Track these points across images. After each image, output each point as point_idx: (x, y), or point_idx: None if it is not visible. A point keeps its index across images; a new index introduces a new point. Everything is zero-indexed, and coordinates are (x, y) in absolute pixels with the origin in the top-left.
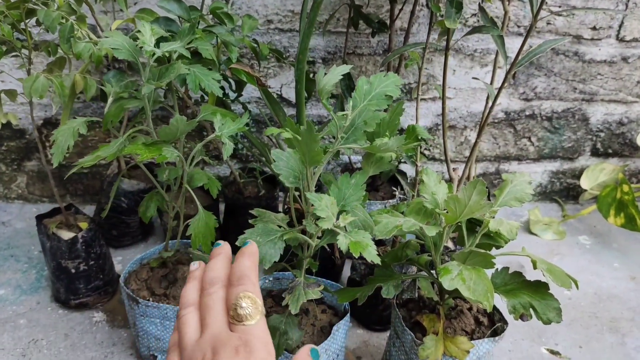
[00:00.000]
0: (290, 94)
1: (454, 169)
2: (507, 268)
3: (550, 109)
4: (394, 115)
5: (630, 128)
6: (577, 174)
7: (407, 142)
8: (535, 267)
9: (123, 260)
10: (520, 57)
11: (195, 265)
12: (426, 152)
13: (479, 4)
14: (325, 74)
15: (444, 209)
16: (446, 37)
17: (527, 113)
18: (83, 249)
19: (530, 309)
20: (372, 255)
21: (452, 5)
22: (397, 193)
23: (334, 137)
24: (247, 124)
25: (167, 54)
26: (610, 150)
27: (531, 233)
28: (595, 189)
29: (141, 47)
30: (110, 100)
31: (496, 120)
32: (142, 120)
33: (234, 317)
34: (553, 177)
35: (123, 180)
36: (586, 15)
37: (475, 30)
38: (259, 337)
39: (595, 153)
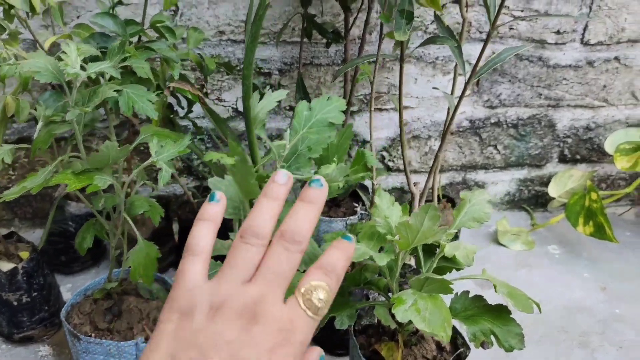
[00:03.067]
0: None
1: (415, 183)
2: (468, 292)
3: (515, 116)
4: (343, 139)
5: (597, 133)
6: (546, 182)
7: (353, 169)
8: (496, 291)
9: (72, 288)
10: (480, 65)
11: (284, 178)
12: (390, 164)
13: (434, 12)
14: (261, 99)
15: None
16: (400, 47)
17: (493, 121)
18: (24, 280)
19: (492, 336)
20: None
21: (402, 16)
22: (358, 209)
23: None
24: (201, 140)
25: (94, 75)
26: (578, 156)
27: (500, 244)
28: (563, 196)
29: (63, 70)
30: (39, 124)
31: (461, 129)
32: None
33: (301, 295)
34: (521, 185)
35: (70, 203)
36: (550, 19)
37: (428, 41)
38: (306, 335)
39: (563, 159)
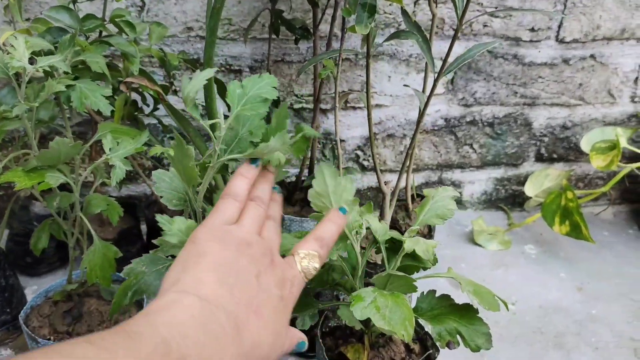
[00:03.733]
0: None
1: (387, 182)
2: (434, 291)
3: (491, 114)
4: (280, 119)
5: (574, 132)
6: (522, 181)
7: (294, 140)
8: (462, 290)
9: (38, 290)
10: (449, 62)
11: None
12: (365, 163)
13: (401, 8)
14: (191, 78)
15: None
16: (366, 43)
17: (468, 119)
18: None
19: (457, 336)
20: None
21: (364, 9)
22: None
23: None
24: (172, 138)
25: (46, 69)
26: (555, 155)
27: (476, 244)
28: (540, 195)
29: (7, 63)
30: None
31: (436, 128)
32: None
33: (300, 259)
34: (498, 184)
35: (35, 203)
36: (524, 17)
37: (393, 36)
38: (299, 292)
39: (539, 158)
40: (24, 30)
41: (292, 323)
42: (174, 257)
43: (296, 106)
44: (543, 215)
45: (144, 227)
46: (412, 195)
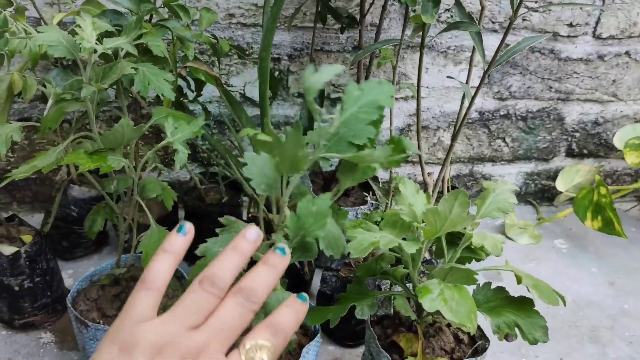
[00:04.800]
0: (254, 92)
1: (429, 174)
2: (490, 283)
3: (525, 108)
4: (374, 125)
5: (605, 128)
6: (552, 175)
7: (393, 154)
8: (519, 283)
9: (74, 274)
10: (498, 56)
11: (253, 236)
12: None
13: None
14: (316, 70)
15: (422, 222)
16: (421, 33)
17: (502, 113)
18: (27, 264)
19: (516, 328)
20: (341, 248)
21: None
22: (368, 199)
23: (314, 145)
24: (207, 125)
25: (110, 51)
26: (585, 151)
27: (507, 237)
28: (570, 190)
29: (79, 44)
30: (50, 102)
31: (470, 121)
32: (86, 125)
33: (245, 352)
34: (528, 178)
35: (73, 187)
36: (562, 11)
37: (452, 26)
38: None
39: (570, 154)
40: (74, 12)
41: (351, 312)
42: None
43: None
44: (575, 210)
45: (181, 213)
46: (447, 188)
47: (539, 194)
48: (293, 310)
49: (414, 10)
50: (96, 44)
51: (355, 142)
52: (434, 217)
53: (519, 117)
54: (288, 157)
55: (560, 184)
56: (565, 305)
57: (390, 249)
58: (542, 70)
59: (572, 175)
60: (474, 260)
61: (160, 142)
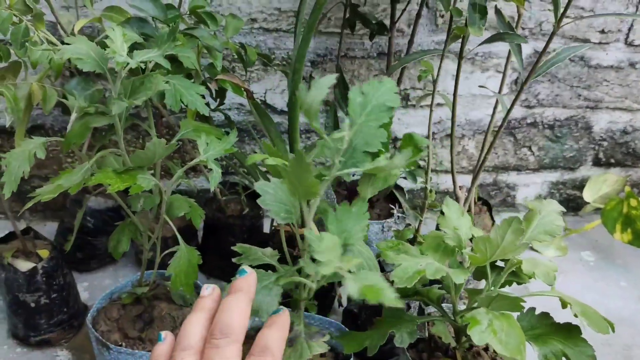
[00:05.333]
0: (275, 99)
1: (461, 187)
2: (534, 309)
3: (552, 116)
4: (384, 128)
5: (634, 137)
6: (578, 185)
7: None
8: (564, 307)
9: (90, 287)
10: (537, 67)
11: (207, 291)
12: (420, 163)
13: (495, 6)
14: (309, 88)
15: (467, 246)
16: (460, 42)
17: (529, 121)
18: (44, 280)
19: (563, 358)
20: (391, 299)
21: (474, 10)
22: (395, 211)
23: (325, 161)
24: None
25: (141, 65)
26: (612, 160)
27: (532, 249)
28: (597, 201)
29: (112, 58)
30: (73, 116)
31: (496, 129)
32: (110, 140)
33: None
34: (553, 188)
35: (88, 197)
36: (595, 18)
37: (496, 37)
38: None
39: (597, 163)
40: (96, 19)
41: (390, 340)
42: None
43: None
44: (603, 222)
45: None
46: (474, 199)
47: (564, 203)
48: (276, 328)
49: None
50: (127, 57)
51: (370, 150)
52: (484, 245)
53: (546, 126)
54: (298, 185)
55: (587, 194)
56: (614, 332)
57: None
58: (571, 78)
59: (599, 185)
60: (515, 283)
61: (180, 154)
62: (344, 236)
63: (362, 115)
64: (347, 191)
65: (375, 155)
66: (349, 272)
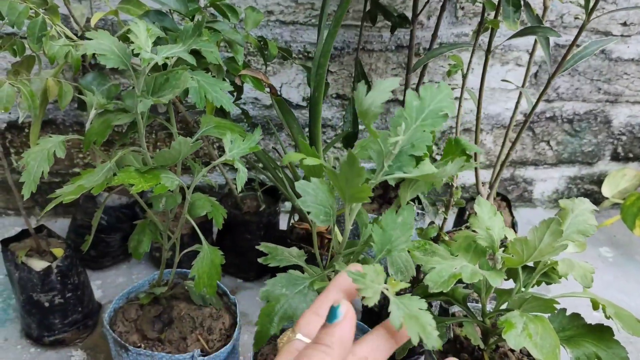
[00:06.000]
0: (291, 94)
1: (484, 183)
2: (565, 310)
3: (572, 110)
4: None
5: None
6: (596, 180)
7: (445, 160)
8: (595, 308)
9: (103, 285)
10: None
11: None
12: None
13: (525, 0)
14: (368, 91)
15: (501, 247)
16: (489, 35)
17: (548, 115)
18: (58, 280)
19: None
20: (432, 339)
21: (508, 3)
22: (415, 208)
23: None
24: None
25: (166, 61)
26: (631, 155)
27: None
28: (616, 196)
29: (137, 54)
30: (92, 113)
31: (514, 123)
32: (131, 138)
33: None
34: (570, 182)
35: (102, 194)
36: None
37: (527, 30)
38: None
39: (615, 157)
40: (112, 12)
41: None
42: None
43: None
44: (623, 217)
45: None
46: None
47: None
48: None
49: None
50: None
51: (415, 153)
52: (521, 246)
53: (565, 120)
54: (347, 189)
55: (605, 190)
56: None
57: None
58: (591, 71)
59: (618, 180)
60: (543, 283)
61: (196, 150)
62: (387, 248)
63: (418, 120)
64: (381, 189)
65: (419, 159)
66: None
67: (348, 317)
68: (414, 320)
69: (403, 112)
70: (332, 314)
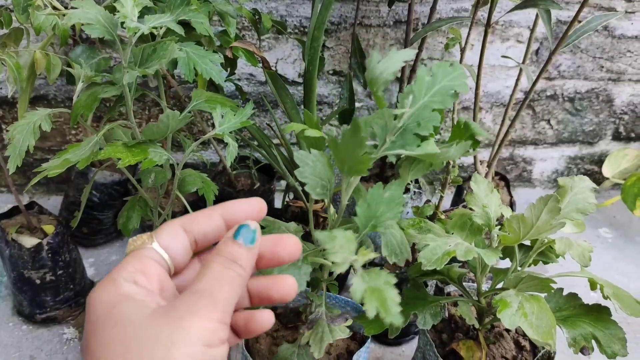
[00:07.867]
0: (286, 69)
1: (482, 162)
2: (562, 290)
3: (573, 89)
4: (439, 112)
5: None
6: (596, 160)
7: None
8: (593, 288)
9: (95, 263)
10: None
11: None
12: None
13: None
14: (380, 60)
15: (497, 225)
16: (489, 9)
17: (549, 93)
18: (49, 257)
19: (592, 341)
20: (393, 314)
21: None
22: (411, 187)
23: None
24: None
25: (153, 31)
26: (632, 134)
27: None
28: (617, 176)
29: (122, 23)
30: (79, 86)
31: (514, 102)
32: (122, 113)
33: None
34: (570, 162)
35: (92, 170)
36: None
37: (528, 3)
38: None
39: (617, 137)
40: None
41: (412, 321)
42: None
43: None
44: (623, 198)
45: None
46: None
47: None
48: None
49: None
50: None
51: (421, 132)
52: (518, 224)
53: (566, 98)
54: (347, 159)
55: (606, 170)
56: None
57: None
58: (594, 49)
59: (619, 160)
60: (540, 262)
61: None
62: (372, 223)
63: (427, 96)
64: (377, 166)
65: (424, 139)
66: (364, 266)
67: (258, 246)
68: (376, 294)
69: (413, 87)
70: (247, 236)
